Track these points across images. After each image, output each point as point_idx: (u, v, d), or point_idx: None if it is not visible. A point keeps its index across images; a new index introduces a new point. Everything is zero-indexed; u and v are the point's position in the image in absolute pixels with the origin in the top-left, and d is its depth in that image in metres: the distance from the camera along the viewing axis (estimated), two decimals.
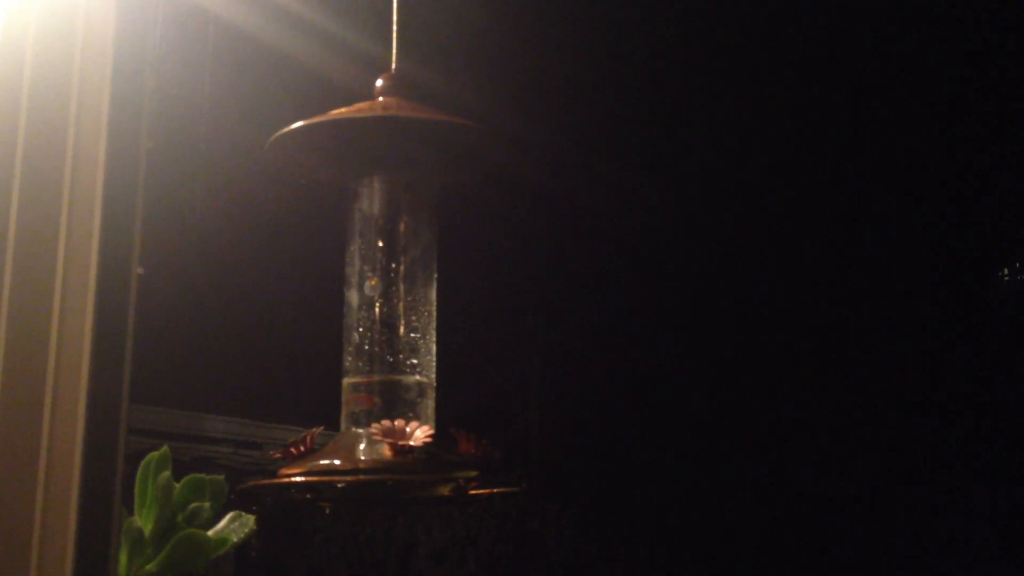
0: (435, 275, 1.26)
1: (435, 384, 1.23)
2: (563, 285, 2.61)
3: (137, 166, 0.75)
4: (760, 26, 2.44)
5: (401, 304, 1.22)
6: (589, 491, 2.60)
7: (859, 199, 2.70)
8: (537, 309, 2.58)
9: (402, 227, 1.23)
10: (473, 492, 1.19)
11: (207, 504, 1.24)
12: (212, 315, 2.09)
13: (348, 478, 1.10)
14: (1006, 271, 2.75)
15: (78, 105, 0.74)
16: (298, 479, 1.10)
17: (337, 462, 1.12)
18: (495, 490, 1.23)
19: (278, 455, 1.17)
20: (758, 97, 2.54)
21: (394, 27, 1.24)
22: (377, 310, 1.21)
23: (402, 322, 1.21)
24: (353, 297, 1.22)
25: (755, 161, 2.61)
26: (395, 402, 1.19)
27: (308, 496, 1.14)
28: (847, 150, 2.65)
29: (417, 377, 1.21)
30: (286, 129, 1.18)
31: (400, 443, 1.09)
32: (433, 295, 1.25)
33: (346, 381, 1.21)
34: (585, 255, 2.63)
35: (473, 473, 1.16)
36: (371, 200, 1.23)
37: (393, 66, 1.22)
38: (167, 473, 1.22)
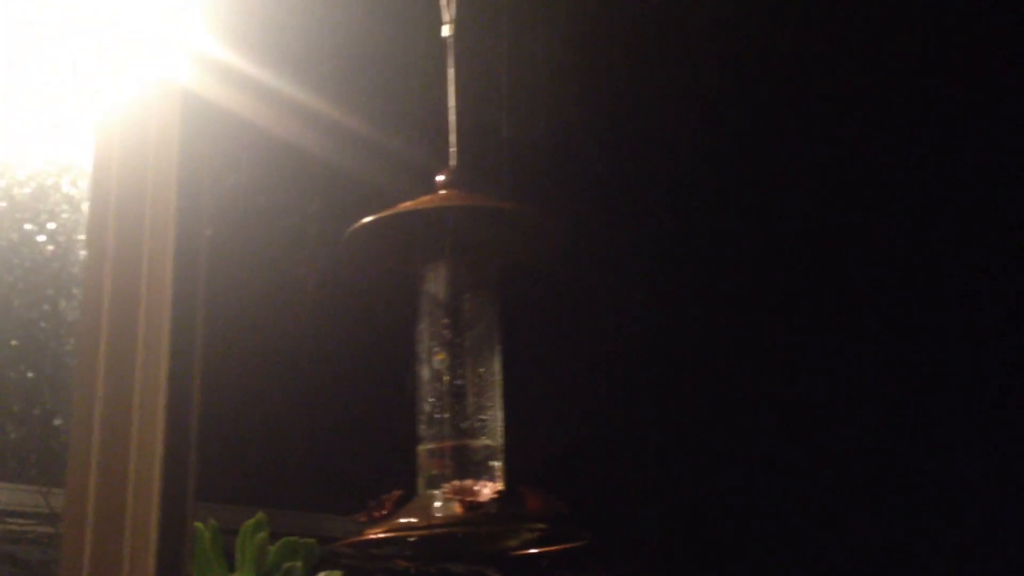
0: (499, 346, 1.37)
1: (503, 446, 1.33)
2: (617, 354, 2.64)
3: (199, 253, 0.90)
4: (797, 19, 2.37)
5: (468, 375, 1.33)
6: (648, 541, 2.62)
7: (890, 194, 2.66)
8: (594, 379, 2.62)
9: (466, 305, 1.35)
10: (541, 549, 1.29)
11: (299, 563, 1.36)
12: (279, 414, 2.22)
13: (421, 532, 1.21)
14: None
15: (151, 216, 0.90)
16: (376, 536, 1.21)
17: (414, 520, 1.23)
18: (562, 546, 1.33)
19: (363, 518, 1.28)
20: (791, 89, 2.48)
21: (451, 122, 1.37)
22: (446, 382, 1.33)
23: (469, 391, 1.33)
24: (423, 371, 1.34)
25: (782, 152, 2.56)
26: (466, 464, 1.29)
27: (387, 550, 1.26)
28: (879, 145, 2.59)
29: (486, 441, 1.32)
30: (360, 222, 1.31)
31: (469, 500, 1.21)
32: (498, 365, 1.36)
33: (420, 448, 1.32)
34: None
35: (539, 526, 1.26)
36: (436, 282, 1.35)
37: (452, 162, 1.35)
38: (263, 535, 1.34)
